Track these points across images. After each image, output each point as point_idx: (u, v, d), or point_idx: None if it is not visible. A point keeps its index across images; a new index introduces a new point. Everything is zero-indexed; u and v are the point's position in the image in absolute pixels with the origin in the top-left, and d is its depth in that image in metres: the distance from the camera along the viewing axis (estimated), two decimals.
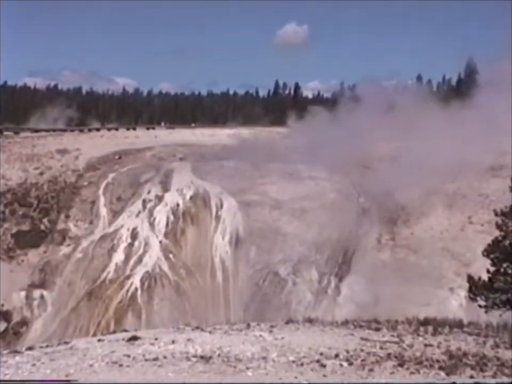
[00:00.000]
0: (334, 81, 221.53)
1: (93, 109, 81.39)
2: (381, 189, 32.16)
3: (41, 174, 37.10)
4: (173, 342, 9.04)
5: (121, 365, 7.76)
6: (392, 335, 9.85)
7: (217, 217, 31.59)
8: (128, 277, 28.66)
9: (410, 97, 47.92)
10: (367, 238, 30.58)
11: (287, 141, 46.62)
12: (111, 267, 29.25)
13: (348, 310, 26.32)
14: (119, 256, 29.73)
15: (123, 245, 30.32)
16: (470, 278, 12.48)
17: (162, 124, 70.40)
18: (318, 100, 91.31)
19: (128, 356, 8.17)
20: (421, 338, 9.70)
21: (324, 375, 7.65)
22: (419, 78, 79.46)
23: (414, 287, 27.10)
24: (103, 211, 33.26)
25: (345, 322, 11.10)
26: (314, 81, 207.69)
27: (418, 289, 26.90)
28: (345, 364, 8.08)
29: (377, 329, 10.30)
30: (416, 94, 51.54)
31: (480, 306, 12.25)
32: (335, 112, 49.18)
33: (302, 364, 7.99)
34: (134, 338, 9.34)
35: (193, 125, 70.09)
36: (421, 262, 28.86)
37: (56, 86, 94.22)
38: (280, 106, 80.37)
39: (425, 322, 10.74)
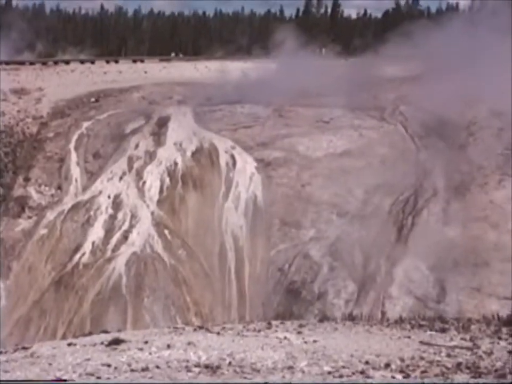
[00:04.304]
0: None
1: (60, 34, 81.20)
2: (449, 141, 31.87)
3: None
4: (169, 346, 9.10)
5: (99, 377, 7.80)
6: (463, 338, 9.82)
7: (228, 181, 31.59)
8: (109, 260, 28.81)
9: None
10: (430, 208, 30.40)
11: (321, 77, 46.19)
12: (86, 247, 29.41)
13: (403, 304, 26.35)
14: (96, 233, 29.87)
15: (102, 218, 30.45)
16: None
17: (173, 54, 70.50)
18: (365, 20, 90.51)
19: (109, 366, 8.22)
20: (503, 343, 9.64)
21: None
22: None
23: (494, 274, 27.01)
24: (75, 172, 33.32)
25: (400, 321, 11.12)
26: None
27: (499, 277, 26.80)
28: (398, 377, 8.05)
29: (443, 331, 10.29)
30: None
31: None
32: (390, 36, 48.57)
33: (340, 376, 7.98)
34: (117, 342, 9.42)
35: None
36: (503, 240, 28.68)
37: (9, 1, 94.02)
38: (313, 29, 79.64)
39: (510, 321, 10.70)
